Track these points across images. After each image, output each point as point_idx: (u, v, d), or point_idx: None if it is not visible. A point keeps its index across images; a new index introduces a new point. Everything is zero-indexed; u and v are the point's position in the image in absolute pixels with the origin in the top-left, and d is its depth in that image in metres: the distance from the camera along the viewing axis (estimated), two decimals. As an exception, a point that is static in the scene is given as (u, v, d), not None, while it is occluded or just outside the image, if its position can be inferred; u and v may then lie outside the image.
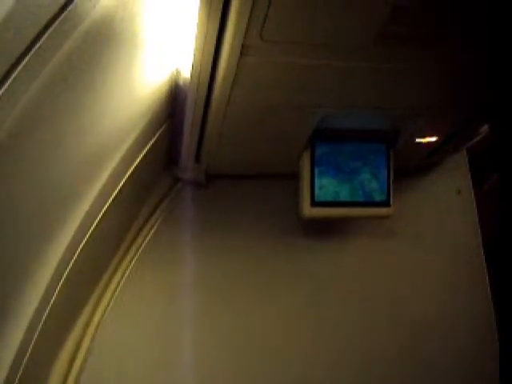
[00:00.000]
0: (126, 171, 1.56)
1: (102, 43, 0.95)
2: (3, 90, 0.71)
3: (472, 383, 2.08)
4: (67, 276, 1.42)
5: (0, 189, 0.93)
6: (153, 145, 1.61)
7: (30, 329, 1.31)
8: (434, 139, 1.81)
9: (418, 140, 1.80)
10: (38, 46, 0.73)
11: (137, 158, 1.58)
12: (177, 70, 1.35)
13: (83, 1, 0.80)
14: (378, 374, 2.03)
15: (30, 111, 0.82)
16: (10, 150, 0.85)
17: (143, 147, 1.57)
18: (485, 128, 1.87)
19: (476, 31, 1.20)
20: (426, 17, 1.12)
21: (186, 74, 1.31)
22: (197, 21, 1.07)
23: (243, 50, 1.15)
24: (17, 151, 0.88)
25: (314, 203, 1.77)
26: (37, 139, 0.93)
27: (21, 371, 1.29)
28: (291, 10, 1.07)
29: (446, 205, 2.16)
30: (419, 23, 1.14)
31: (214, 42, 1.14)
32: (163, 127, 1.60)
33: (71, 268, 1.43)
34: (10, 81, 0.72)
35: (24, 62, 0.73)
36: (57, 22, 0.75)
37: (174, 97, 1.47)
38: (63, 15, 0.75)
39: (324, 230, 2.04)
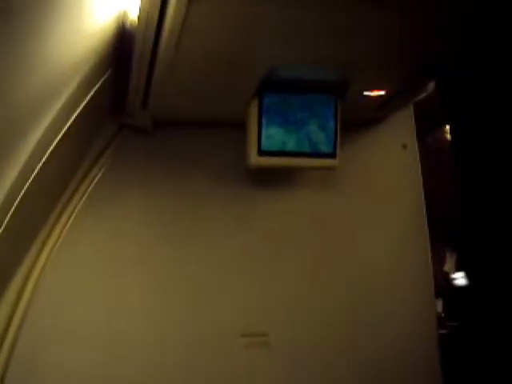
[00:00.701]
0: (69, 117, 1.51)
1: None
2: None
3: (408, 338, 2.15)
4: (5, 227, 1.39)
5: None
6: (97, 90, 1.57)
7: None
8: (381, 93, 1.82)
9: (366, 93, 1.81)
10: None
11: (80, 103, 1.53)
12: (124, 11, 1.31)
13: None
14: (322, 320, 2.08)
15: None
16: None
17: (87, 92, 1.53)
18: (431, 84, 1.90)
19: None
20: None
21: (133, 16, 1.27)
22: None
23: (192, -4, 1.12)
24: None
25: (261, 152, 1.77)
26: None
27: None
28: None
29: (391, 159, 2.20)
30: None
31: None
32: (109, 71, 1.55)
33: (8, 221, 1.39)
34: None
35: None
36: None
37: (121, 40, 1.43)
38: None
39: (270, 179, 2.05)
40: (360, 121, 2.10)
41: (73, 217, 1.88)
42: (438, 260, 2.63)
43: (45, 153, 1.44)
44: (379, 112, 2.03)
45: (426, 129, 2.61)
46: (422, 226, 2.20)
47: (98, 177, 1.91)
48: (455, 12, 1.31)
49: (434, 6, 1.27)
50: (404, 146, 2.19)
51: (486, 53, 1.60)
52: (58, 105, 1.36)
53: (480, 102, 2.10)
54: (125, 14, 1.32)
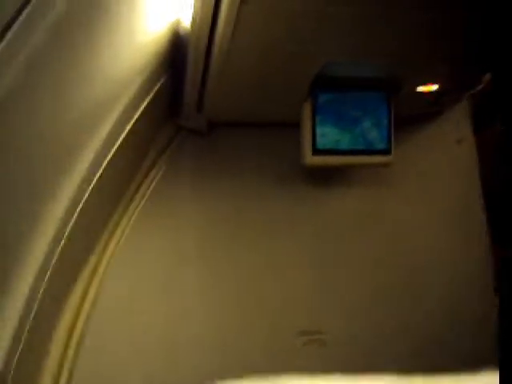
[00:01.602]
0: (128, 123, 1.56)
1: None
2: (4, 42, 0.72)
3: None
4: (71, 228, 1.44)
5: (3, 140, 0.95)
6: (154, 96, 1.62)
7: (37, 279, 1.34)
8: (435, 88, 1.81)
9: (419, 89, 1.80)
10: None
11: (138, 109, 1.59)
12: (177, 19, 1.35)
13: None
14: (380, 319, 2.07)
15: (31, 63, 0.83)
16: (12, 103, 0.87)
17: (144, 99, 1.58)
18: (487, 77, 1.87)
19: None
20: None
21: (186, 23, 1.31)
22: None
23: (243, -2, 1.15)
24: (17, 104, 0.90)
25: (316, 151, 1.78)
26: (39, 91, 0.94)
27: (29, 322, 1.33)
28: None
29: (446, 154, 2.17)
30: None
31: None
32: (164, 78, 1.60)
33: (74, 222, 1.45)
34: (9, 34, 0.73)
35: (24, 14, 0.74)
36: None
37: (175, 47, 1.47)
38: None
39: (326, 178, 2.06)
40: (414, 116, 2.08)
41: (133, 218, 1.94)
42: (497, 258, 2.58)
43: (106, 156, 1.50)
44: (433, 107, 2.02)
45: (484, 122, 2.56)
46: (481, 222, 2.16)
47: (156, 179, 1.96)
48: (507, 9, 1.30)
49: (488, 4, 1.26)
50: (459, 141, 2.17)
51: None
52: (118, 111, 1.41)
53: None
54: (178, 21, 1.36)
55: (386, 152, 1.83)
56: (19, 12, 0.72)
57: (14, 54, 0.76)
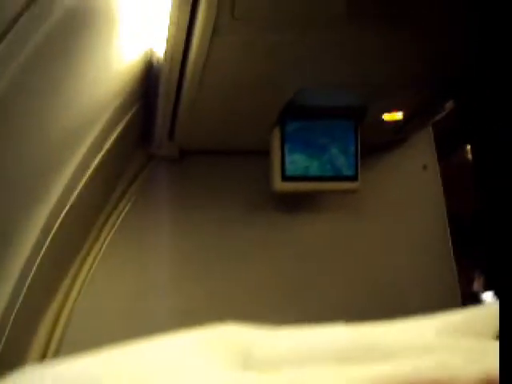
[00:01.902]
0: (100, 151, 1.58)
1: (80, 23, 0.98)
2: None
3: None
4: (41, 257, 1.44)
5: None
6: (126, 124, 1.64)
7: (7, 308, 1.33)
8: (400, 115, 1.87)
9: (384, 116, 1.86)
10: (18, 25, 0.76)
11: (110, 137, 1.60)
12: (151, 49, 1.38)
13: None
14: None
15: (8, 90, 0.85)
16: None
17: (116, 127, 1.60)
18: (450, 104, 1.93)
19: (440, 12, 1.26)
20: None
21: (159, 53, 1.34)
22: (171, 1, 1.11)
23: (215, 30, 1.19)
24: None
25: (285, 178, 1.82)
26: (16, 116, 0.95)
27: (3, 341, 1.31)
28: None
29: (412, 180, 2.23)
30: (383, 3, 1.19)
31: (187, 22, 1.18)
32: (136, 106, 1.63)
33: (44, 252, 1.45)
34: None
35: (4, 42, 0.76)
36: (37, 2, 0.77)
37: (148, 76, 1.50)
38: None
39: (296, 204, 2.09)
40: (380, 143, 2.14)
41: (103, 249, 1.94)
42: (466, 280, 2.63)
43: (77, 186, 1.51)
44: (398, 134, 2.08)
45: (448, 148, 2.63)
46: (447, 246, 2.21)
47: (126, 208, 1.97)
48: (473, 37, 1.36)
49: (452, 32, 1.32)
50: (424, 167, 2.23)
51: (504, 72, 1.64)
52: (90, 139, 1.43)
53: (497, 120, 2.12)
54: (151, 51, 1.39)
55: (353, 178, 1.88)
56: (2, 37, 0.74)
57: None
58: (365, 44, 1.36)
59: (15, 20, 0.75)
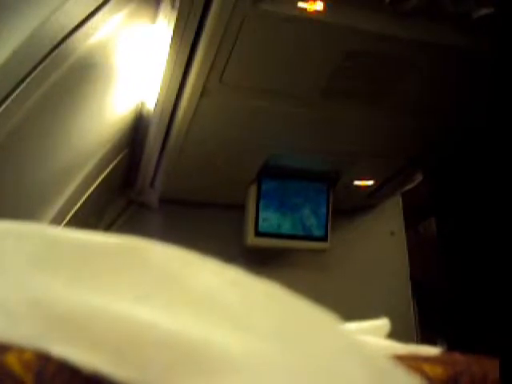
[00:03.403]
0: (85, 192, 1.65)
1: (83, 77, 1.08)
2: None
3: None
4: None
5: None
6: (111, 169, 1.72)
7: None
8: (371, 183, 1.98)
9: (356, 182, 1.96)
10: (31, 77, 0.86)
11: (95, 181, 1.67)
12: (142, 102, 1.48)
13: (69, 42, 0.92)
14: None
15: (14, 132, 0.93)
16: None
17: (103, 171, 1.67)
18: (418, 175, 2.05)
19: (408, 91, 1.38)
20: (363, 77, 1.29)
21: (150, 106, 1.44)
22: (165, 61, 1.22)
23: (203, 92, 1.30)
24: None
25: (258, 233, 1.90)
26: (15, 156, 1.03)
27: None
28: (249, 59, 1.23)
29: (379, 245, 2.32)
30: (358, 82, 1.31)
31: (179, 82, 1.28)
32: (123, 153, 1.71)
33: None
34: (2, 107, 0.84)
35: (17, 92, 0.85)
36: (48, 59, 0.87)
37: (137, 126, 1.59)
38: (53, 53, 0.88)
39: (266, 259, 2.15)
40: (351, 207, 2.23)
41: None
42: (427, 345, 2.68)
43: (62, 223, 1.57)
44: (369, 200, 2.18)
45: (416, 218, 2.73)
46: (409, 311, 2.29)
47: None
48: (443, 112, 1.48)
49: (423, 110, 1.44)
50: (392, 233, 2.32)
51: (471, 145, 1.76)
52: (76, 181, 1.50)
53: (464, 194, 2.23)
54: (142, 104, 1.49)
55: (323, 239, 1.97)
56: (16, 87, 0.83)
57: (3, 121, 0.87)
58: (339, 117, 1.47)
59: (28, 74, 0.84)
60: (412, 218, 2.50)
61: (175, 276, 0.37)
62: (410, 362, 0.43)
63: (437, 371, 0.43)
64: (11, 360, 0.31)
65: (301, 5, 1.07)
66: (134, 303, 0.35)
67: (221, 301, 0.37)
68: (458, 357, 0.47)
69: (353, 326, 0.58)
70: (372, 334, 0.57)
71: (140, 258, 0.38)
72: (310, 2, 1.07)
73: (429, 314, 2.52)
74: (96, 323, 0.33)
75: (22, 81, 0.85)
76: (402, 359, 0.43)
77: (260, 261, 2.15)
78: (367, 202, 2.23)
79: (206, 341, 0.33)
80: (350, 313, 1.92)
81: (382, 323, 0.60)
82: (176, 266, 0.38)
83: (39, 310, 0.33)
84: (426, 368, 0.43)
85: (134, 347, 0.32)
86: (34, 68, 0.86)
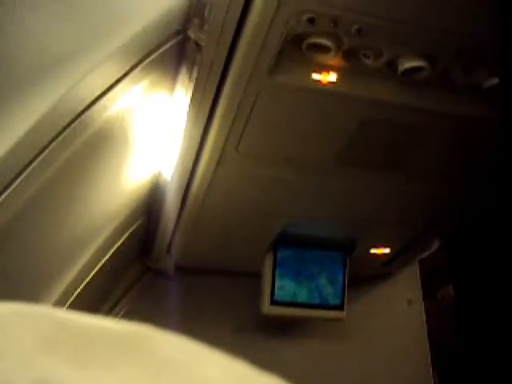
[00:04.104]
0: (102, 259, 1.65)
1: (101, 147, 1.10)
2: (18, 182, 0.85)
3: None
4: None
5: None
6: (128, 237, 1.73)
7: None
8: (387, 251, 1.97)
9: (372, 250, 1.95)
10: (50, 148, 0.88)
11: (113, 247, 1.69)
12: (159, 171, 1.51)
13: (88, 115, 0.95)
14: None
15: (34, 202, 0.95)
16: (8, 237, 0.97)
17: (120, 238, 1.69)
18: (435, 242, 2.04)
19: (422, 158, 1.39)
20: (378, 145, 1.31)
21: (166, 176, 1.47)
22: (182, 131, 1.25)
23: (220, 161, 1.32)
24: (13, 237, 1.00)
25: (274, 302, 1.89)
26: (33, 225, 1.05)
27: None
28: (264, 129, 1.25)
29: (396, 314, 2.29)
30: (373, 150, 1.32)
31: (195, 151, 1.31)
32: (140, 221, 1.73)
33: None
34: (22, 177, 0.87)
35: (35, 163, 0.87)
36: (67, 131, 0.90)
37: (153, 195, 1.61)
38: (73, 125, 0.91)
39: (282, 327, 2.13)
40: (367, 276, 2.22)
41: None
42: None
43: (76, 290, 1.57)
44: (385, 268, 2.16)
45: (435, 285, 2.70)
46: (429, 380, 2.24)
47: (119, 315, 2.02)
48: (457, 179, 1.49)
49: (439, 177, 1.45)
50: (409, 302, 2.29)
51: (485, 215, 1.76)
52: (93, 247, 1.51)
53: (483, 260, 2.22)
54: (159, 173, 1.51)
55: (339, 307, 1.94)
56: (34, 159, 0.86)
57: (21, 195, 0.89)
58: (355, 185, 1.48)
59: (47, 145, 0.86)
60: (430, 284, 2.48)
61: (180, 366, 0.37)
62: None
63: None
64: None
65: (315, 76, 1.10)
66: None
67: None
68: None
69: None
70: None
71: (146, 346, 0.38)
72: (323, 74, 1.10)
73: (449, 382, 2.46)
74: None
75: (41, 152, 0.87)
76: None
77: (276, 329, 2.13)
78: (384, 271, 2.22)
79: None
80: (367, 382, 1.89)
81: None
82: (181, 356, 0.38)
83: None
84: None
85: None
86: (53, 139, 0.89)
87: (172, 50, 1.09)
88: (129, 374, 0.35)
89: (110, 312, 2.02)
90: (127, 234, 1.72)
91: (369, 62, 1.07)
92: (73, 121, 0.90)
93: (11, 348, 0.35)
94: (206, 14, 0.99)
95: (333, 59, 1.07)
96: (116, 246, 1.70)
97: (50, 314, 0.39)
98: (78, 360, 0.35)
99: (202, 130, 1.23)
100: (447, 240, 2.13)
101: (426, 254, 2.13)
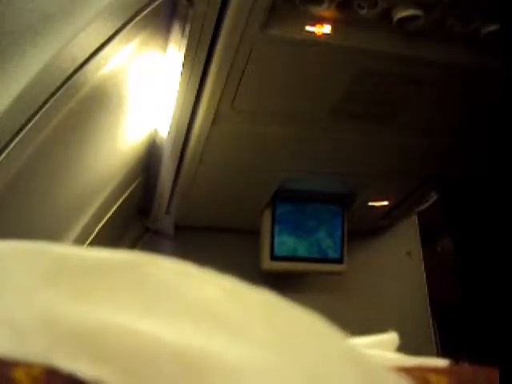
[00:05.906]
0: (100, 221, 1.66)
1: (96, 107, 1.09)
2: (13, 144, 0.85)
3: None
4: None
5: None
6: (126, 197, 1.73)
7: None
8: (385, 203, 1.98)
9: (370, 203, 1.96)
10: (45, 109, 0.87)
11: (111, 209, 1.69)
12: (155, 130, 1.50)
13: (81, 74, 0.94)
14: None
15: (30, 164, 0.95)
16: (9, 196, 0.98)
17: (118, 199, 1.69)
18: (433, 194, 2.05)
19: (419, 110, 1.38)
20: (374, 97, 1.30)
21: (163, 134, 1.46)
22: (177, 89, 1.24)
23: (215, 118, 1.31)
24: (12, 198, 1.01)
25: (273, 257, 1.90)
26: (29, 189, 1.05)
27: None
28: (259, 84, 1.24)
29: (396, 265, 2.31)
30: (368, 102, 1.31)
31: (191, 109, 1.30)
32: (138, 181, 1.73)
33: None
34: (18, 138, 0.86)
35: (31, 124, 0.87)
36: (61, 91, 0.89)
37: (151, 153, 1.61)
38: (66, 85, 0.90)
39: (283, 282, 2.15)
40: (366, 229, 2.23)
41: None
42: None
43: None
44: (384, 221, 2.18)
45: (433, 236, 2.72)
46: (428, 331, 2.27)
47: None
48: (454, 131, 1.48)
49: (435, 131, 1.44)
50: (408, 253, 2.32)
51: (485, 163, 1.76)
52: (92, 209, 1.52)
53: (479, 213, 2.23)
54: (155, 131, 1.51)
55: (338, 261, 1.96)
56: (30, 119, 0.85)
57: (19, 155, 0.88)
58: (351, 139, 1.48)
59: (42, 106, 0.86)
60: (429, 236, 2.50)
61: (175, 288, 0.38)
62: (416, 373, 0.43)
63: (442, 380, 0.43)
64: (20, 375, 0.32)
65: (308, 28, 1.08)
66: (138, 316, 0.36)
67: (220, 311, 0.38)
68: (465, 367, 0.47)
69: (359, 340, 0.59)
70: (379, 348, 0.57)
71: (142, 273, 0.39)
72: (317, 26, 1.09)
73: (448, 333, 2.50)
74: (102, 337, 0.34)
75: (35, 114, 0.87)
76: (407, 370, 0.43)
77: (277, 285, 2.15)
78: (383, 223, 2.23)
79: (206, 352, 0.34)
80: (367, 334, 1.91)
81: (390, 337, 0.60)
82: (176, 279, 0.39)
83: (47, 326, 0.34)
84: (432, 378, 0.43)
85: (140, 360, 0.33)
86: (47, 100, 0.88)
87: (163, 5, 1.07)
88: (126, 303, 0.36)
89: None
90: (126, 194, 1.72)
91: (363, 12, 1.06)
92: (65, 81, 0.89)
93: (13, 286, 0.36)
94: (196, -33, 0.97)
95: (327, 10, 1.05)
96: (115, 207, 1.70)
97: (48, 249, 0.40)
98: (77, 292, 0.36)
99: (196, 86, 1.22)
100: (444, 192, 2.14)
101: (423, 206, 2.13)
